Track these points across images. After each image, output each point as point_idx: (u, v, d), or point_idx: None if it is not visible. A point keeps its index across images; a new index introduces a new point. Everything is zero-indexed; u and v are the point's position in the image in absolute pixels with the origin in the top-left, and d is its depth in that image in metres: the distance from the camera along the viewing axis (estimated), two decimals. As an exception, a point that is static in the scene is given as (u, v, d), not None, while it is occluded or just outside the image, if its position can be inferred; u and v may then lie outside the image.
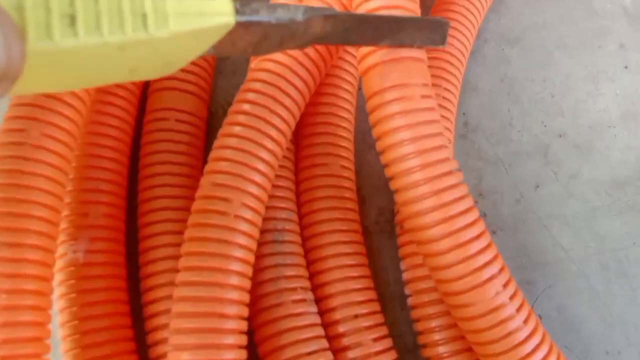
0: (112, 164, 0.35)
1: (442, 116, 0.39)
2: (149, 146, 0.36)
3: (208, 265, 0.29)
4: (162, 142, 0.36)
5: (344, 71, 0.40)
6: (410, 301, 0.35)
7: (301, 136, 0.39)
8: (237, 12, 0.23)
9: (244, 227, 0.31)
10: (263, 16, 0.24)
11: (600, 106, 0.47)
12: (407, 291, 0.35)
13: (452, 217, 0.30)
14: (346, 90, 0.40)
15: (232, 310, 0.29)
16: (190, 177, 0.36)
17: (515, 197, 0.43)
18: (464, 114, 0.45)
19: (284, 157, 0.37)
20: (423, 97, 0.31)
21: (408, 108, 0.30)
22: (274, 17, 0.24)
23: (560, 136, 0.45)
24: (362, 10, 0.31)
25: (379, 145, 0.32)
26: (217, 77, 0.44)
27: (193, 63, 0.39)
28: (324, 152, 0.38)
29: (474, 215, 0.30)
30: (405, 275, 0.36)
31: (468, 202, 0.30)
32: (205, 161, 0.39)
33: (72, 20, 0.19)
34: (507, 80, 0.46)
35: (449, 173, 0.30)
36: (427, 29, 0.31)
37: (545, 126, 0.45)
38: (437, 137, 0.31)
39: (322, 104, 0.39)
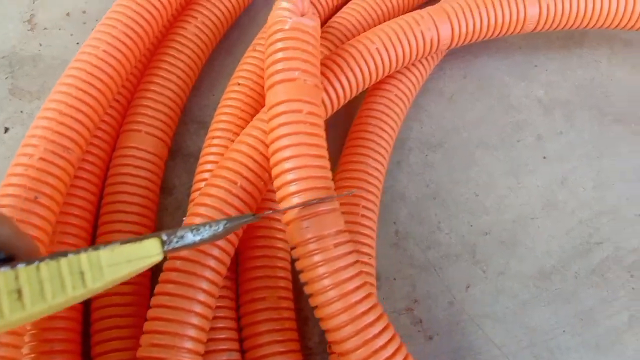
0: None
1: (363, 235, 0.43)
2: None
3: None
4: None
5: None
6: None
7: (241, 270, 0.42)
8: (165, 242, 0.27)
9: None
10: (189, 240, 0.28)
11: (522, 199, 0.50)
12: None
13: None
14: (280, 220, 0.44)
15: None
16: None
17: (448, 300, 0.46)
18: (394, 223, 0.48)
19: (223, 296, 0.40)
20: (336, 245, 0.34)
21: (327, 257, 0.34)
22: (199, 238, 0.28)
23: (486, 234, 0.49)
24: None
25: (307, 289, 0.35)
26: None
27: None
28: (263, 285, 0.41)
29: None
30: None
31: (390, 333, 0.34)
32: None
33: (19, 294, 0.21)
34: (432, 186, 0.50)
35: (369, 309, 0.34)
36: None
37: (471, 226, 0.49)
38: (356, 278, 0.35)
39: (259, 237, 0.43)
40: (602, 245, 0.49)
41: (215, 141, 0.46)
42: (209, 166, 0.45)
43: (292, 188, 0.34)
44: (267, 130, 0.37)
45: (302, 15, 0.40)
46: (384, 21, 0.53)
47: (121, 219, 0.42)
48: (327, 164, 0.36)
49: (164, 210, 0.47)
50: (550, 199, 0.50)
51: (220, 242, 0.37)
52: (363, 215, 0.43)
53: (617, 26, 0.52)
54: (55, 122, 0.39)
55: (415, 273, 0.47)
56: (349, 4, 0.53)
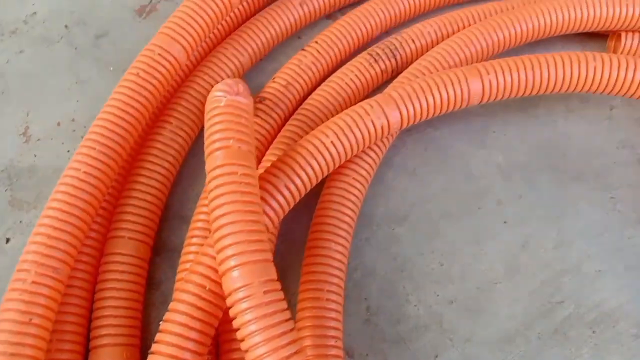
0: None
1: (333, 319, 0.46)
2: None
3: None
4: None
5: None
6: None
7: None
8: None
9: None
10: None
11: (485, 265, 0.53)
12: None
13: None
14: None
15: None
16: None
17: (418, 372, 0.49)
18: (365, 299, 0.52)
19: None
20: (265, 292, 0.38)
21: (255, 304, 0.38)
22: None
23: (452, 302, 0.52)
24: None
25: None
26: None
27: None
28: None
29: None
30: None
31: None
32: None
33: None
34: (399, 259, 0.54)
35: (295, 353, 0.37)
36: None
37: (437, 295, 0.52)
38: (284, 324, 0.38)
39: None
40: (563, 304, 0.52)
41: (194, 240, 0.50)
42: (188, 265, 0.49)
43: (227, 241, 0.39)
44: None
45: (237, 94, 0.45)
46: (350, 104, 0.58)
47: (110, 323, 0.46)
48: (260, 218, 0.41)
49: (152, 306, 0.51)
50: (512, 263, 0.53)
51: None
52: (328, 299, 0.47)
53: (560, 91, 0.55)
54: (44, 246, 0.44)
55: (386, 347, 0.50)
56: (317, 91, 0.59)
